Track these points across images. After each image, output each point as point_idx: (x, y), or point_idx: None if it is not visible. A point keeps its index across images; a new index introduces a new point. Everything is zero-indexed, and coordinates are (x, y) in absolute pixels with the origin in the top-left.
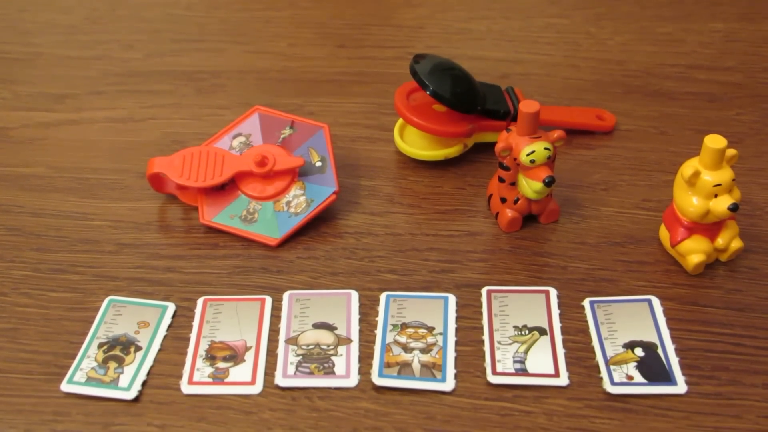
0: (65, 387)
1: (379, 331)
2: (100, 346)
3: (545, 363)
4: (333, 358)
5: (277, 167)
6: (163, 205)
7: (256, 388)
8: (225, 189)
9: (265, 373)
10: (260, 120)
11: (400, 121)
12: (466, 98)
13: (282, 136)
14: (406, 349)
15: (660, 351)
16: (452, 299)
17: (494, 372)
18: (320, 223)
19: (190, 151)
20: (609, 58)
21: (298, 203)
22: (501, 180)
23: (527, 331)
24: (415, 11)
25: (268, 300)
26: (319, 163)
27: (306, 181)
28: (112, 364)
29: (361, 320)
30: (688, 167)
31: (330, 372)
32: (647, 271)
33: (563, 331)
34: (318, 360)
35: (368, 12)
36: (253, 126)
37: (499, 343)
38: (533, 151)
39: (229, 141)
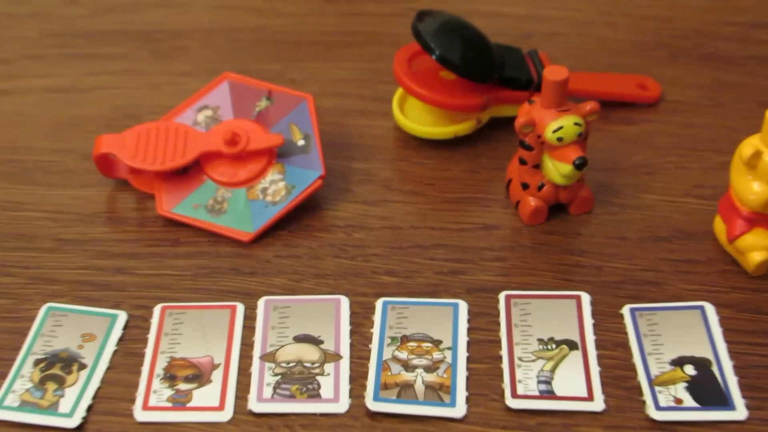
0: None
1: (374, 346)
2: (37, 363)
3: (576, 384)
4: (319, 378)
5: (250, 147)
6: (113, 193)
7: (226, 415)
8: (188, 173)
9: (237, 397)
10: (231, 90)
11: (400, 91)
12: (479, 64)
13: (257, 109)
14: (408, 367)
15: (715, 369)
16: (463, 306)
17: (514, 395)
18: (303, 214)
19: (146, 128)
20: (653, 14)
21: (277, 190)
22: (522, 162)
23: (554, 345)
24: None
25: (240, 308)
26: (301, 142)
27: (286, 164)
28: (51, 386)
29: (352, 332)
30: (748, 146)
31: (315, 395)
32: (700, 272)
33: (598, 345)
34: (300, 380)
35: None
36: (221, 97)
37: (520, 359)
38: (561, 127)
39: (193, 115)
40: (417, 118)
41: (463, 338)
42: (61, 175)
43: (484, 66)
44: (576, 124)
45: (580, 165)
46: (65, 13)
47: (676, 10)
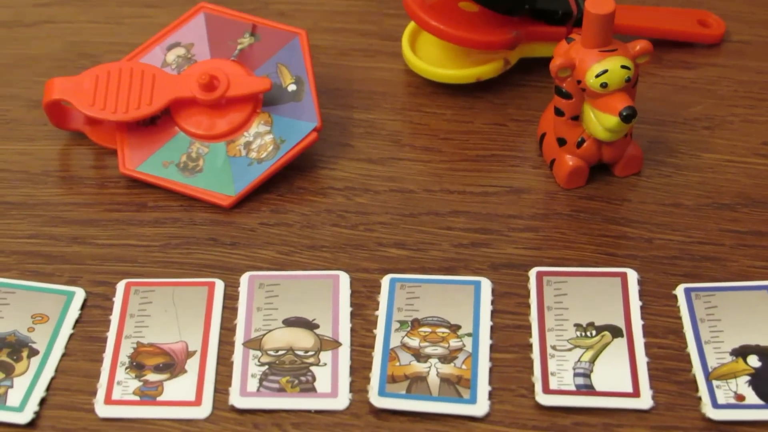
0: None
1: (380, 331)
2: None
3: (620, 377)
4: (313, 368)
5: (231, 92)
6: (67, 148)
7: (203, 411)
8: (156, 124)
9: (216, 390)
10: (207, 24)
11: (412, 25)
12: None
13: (239, 47)
14: (420, 356)
15: None
16: (486, 285)
17: (546, 390)
18: (295, 174)
19: (105, 69)
20: None
21: (263, 145)
22: (559, 113)
23: (594, 332)
24: None
25: (219, 284)
26: (292, 87)
27: (274, 113)
28: None
29: (354, 315)
30: None
31: (309, 389)
32: None
33: (646, 332)
34: (292, 371)
35: None
36: (196, 32)
37: (553, 348)
38: (605, 71)
39: (162, 54)
40: (432, 58)
41: (486, 322)
42: (4, 126)
43: None
44: (623, 67)
45: (628, 117)
46: None
47: None
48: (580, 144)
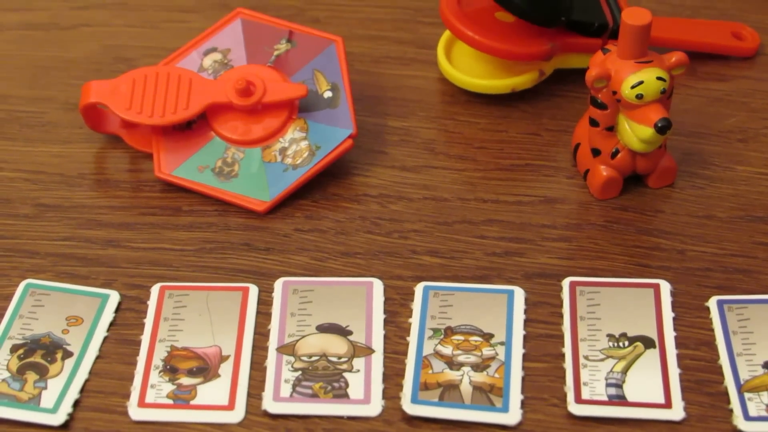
0: None
1: (413, 339)
2: (14, 349)
3: (652, 388)
4: (346, 374)
5: (267, 98)
6: (103, 151)
7: (236, 415)
8: (192, 129)
9: (249, 395)
10: (244, 29)
11: (447, 34)
12: (544, 3)
13: (275, 53)
14: (453, 364)
15: None
16: (519, 294)
17: (578, 399)
18: (329, 180)
19: (142, 73)
20: None
21: (298, 151)
22: (593, 123)
23: (627, 343)
24: None
25: (253, 289)
26: (328, 94)
27: (310, 120)
28: (32, 376)
29: (387, 322)
30: None
31: (342, 395)
32: None
33: (679, 344)
34: (325, 377)
35: None
36: (233, 38)
37: (586, 358)
38: (641, 82)
39: (199, 59)
40: (467, 67)
41: (518, 332)
42: (41, 128)
43: (549, 6)
44: (659, 78)
45: (662, 128)
46: None
47: None
48: (614, 155)
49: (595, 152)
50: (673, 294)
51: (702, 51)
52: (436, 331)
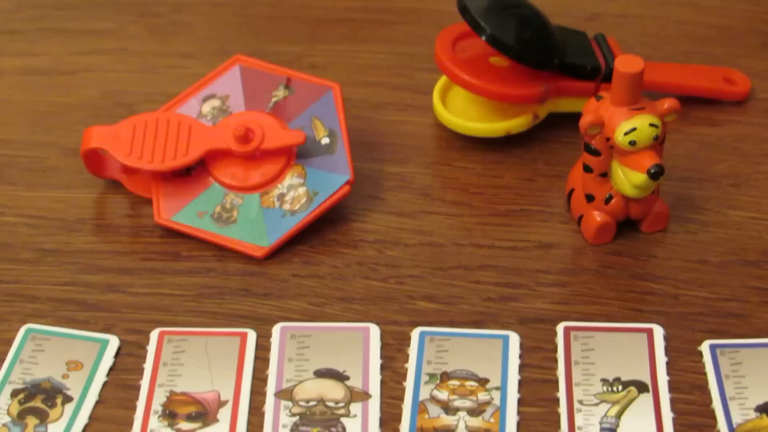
0: None
1: (409, 384)
2: (15, 394)
3: (646, 431)
4: (344, 419)
5: (266, 145)
6: (103, 196)
7: None
8: (191, 174)
9: None
10: (242, 76)
11: (443, 79)
12: (537, 48)
13: (274, 99)
14: (449, 409)
15: None
16: (515, 339)
17: None
18: (327, 226)
19: (143, 119)
20: None
21: (296, 197)
22: (587, 169)
23: (621, 387)
24: None
25: (251, 335)
26: (326, 140)
27: (308, 166)
28: (32, 421)
29: (384, 367)
30: None
31: None
32: None
33: (672, 388)
34: (322, 422)
35: None
36: (232, 84)
37: (580, 402)
38: (634, 129)
39: (198, 105)
40: (462, 112)
41: (513, 377)
42: (42, 173)
43: (543, 49)
44: (652, 125)
45: (655, 174)
46: None
47: None
48: (608, 200)
49: (589, 198)
50: (666, 338)
51: (694, 96)
52: (432, 376)
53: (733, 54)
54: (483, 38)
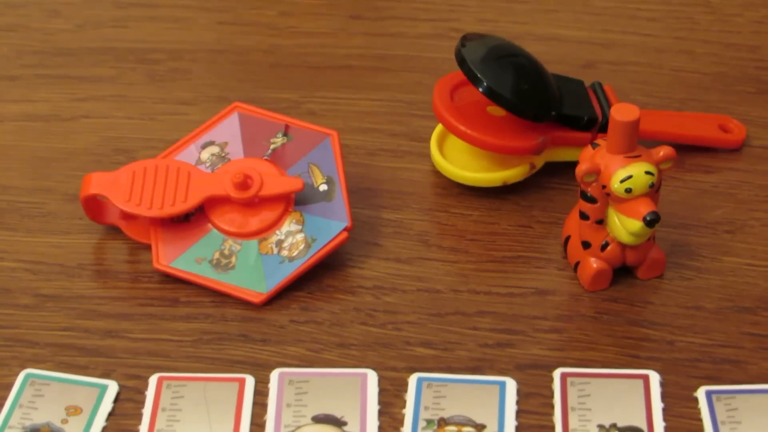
0: None
1: (407, 429)
2: None
3: None
4: None
5: (264, 191)
6: (102, 242)
7: None
8: (190, 221)
9: None
10: (241, 123)
11: (440, 128)
12: (535, 99)
13: (272, 146)
14: None
15: None
16: (511, 385)
17: None
18: (325, 272)
19: (141, 166)
20: (737, 42)
21: (294, 243)
22: (584, 216)
23: None
24: None
25: (250, 381)
26: (324, 187)
27: (306, 213)
28: None
29: (381, 413)
30: None
31: None
32: None
33: None
34: None
35: None
36: (230, 131)
37: None
38: (630, 177)
39: (197, 152)
40: (459, 160)
41: (510, 422)
42: (41, 219)
43: (540, 101)
44: (647, 173)
45: (651, 221)
46: (46, 26)
47: (765, 38)
48: (604, 247)
49: (586, 245)
50: (662, 384)
51: (689, 143)
52: (429, 422)
53: (728, 101)
54: (480, 90)
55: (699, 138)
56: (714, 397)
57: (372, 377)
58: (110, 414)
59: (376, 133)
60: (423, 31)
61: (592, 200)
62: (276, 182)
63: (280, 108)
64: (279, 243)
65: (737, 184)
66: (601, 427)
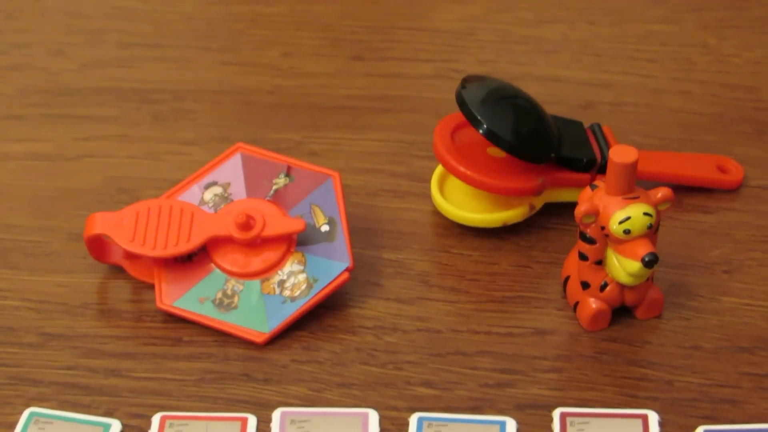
0: None
1: None
2: None
3: None
4: None
5: (266, 232)
6: (106, 281)
7: None
8: (193, 261)
9: None
10: (243, 163)
11: (440, 168)
12: (534, 140)
13: (274, 187)
14: None
15: None
16: (511, 425)
17: None
18: (326, 312)
19: (145, 206)
20: (735, 82)
21: (296, 284)
22: (583, 257)
23: None
24: (461, 10)
25: (252, 420)
26: (325, 228)
27: (307, 253)
28: None
29: None
30: None
31: None
32: None
33: None
34: None
35: (395, 10)
36: (233, 172)
37: None
38: (628, 218)
39: (200, 192)
40: (460, 201)
41: None
42: (44, 258)
43: (539, 143)
44: (646, 214)
45: (650, 262)
46: (50, 66)
47: (762, 78)
48: (603, 288)
49: (585, 285)
50: (660, 424)
51: (686, 184)
52: None
53: (726, 141)
54: (480, 132)
55: (697, 178)
56: None
57: (373, 417)
58: None
59: (377, 173)
60: (423, 72)
61: (591, 241)
62: (278, 223)
63: (282, 148)
64: (281, 283)
65: (735, 225)
66: None
